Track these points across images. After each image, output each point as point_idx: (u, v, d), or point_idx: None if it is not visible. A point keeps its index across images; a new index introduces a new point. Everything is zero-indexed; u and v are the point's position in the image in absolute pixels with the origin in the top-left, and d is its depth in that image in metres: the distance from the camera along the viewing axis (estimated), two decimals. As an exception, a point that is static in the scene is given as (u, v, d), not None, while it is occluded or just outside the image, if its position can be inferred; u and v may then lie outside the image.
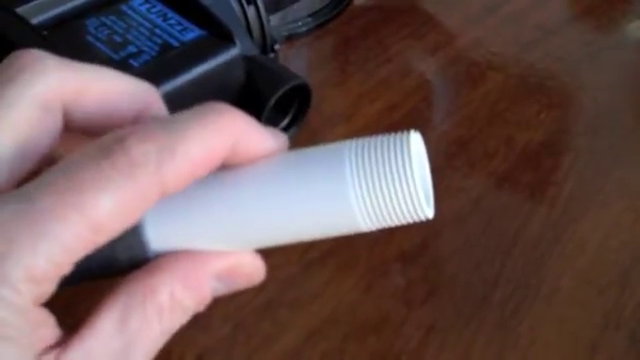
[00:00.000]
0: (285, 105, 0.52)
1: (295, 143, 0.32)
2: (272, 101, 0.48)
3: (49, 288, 0.26)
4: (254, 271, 0.31)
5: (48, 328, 0.27)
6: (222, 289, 0.31)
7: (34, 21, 0.48)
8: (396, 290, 0.51)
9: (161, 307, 0.29)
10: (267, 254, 0.31)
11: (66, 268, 0.26)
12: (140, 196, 0.27)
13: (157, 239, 0.30)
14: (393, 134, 0.30)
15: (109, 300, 0.28)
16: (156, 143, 0.27)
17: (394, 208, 0.29)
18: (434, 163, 0.59)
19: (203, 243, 0.30)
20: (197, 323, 0.30)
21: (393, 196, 0.29)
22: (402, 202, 0.29)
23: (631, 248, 0.54)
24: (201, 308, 0.30)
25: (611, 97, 0.68)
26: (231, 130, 0.29)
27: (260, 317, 0.49)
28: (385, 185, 0.29)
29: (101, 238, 0.27)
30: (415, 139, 0.30)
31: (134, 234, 0.30)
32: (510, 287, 0.51)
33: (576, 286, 0.51)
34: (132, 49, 0.47)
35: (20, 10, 0.48)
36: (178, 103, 0.45)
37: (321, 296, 0.50)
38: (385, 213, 0.29)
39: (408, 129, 0.30)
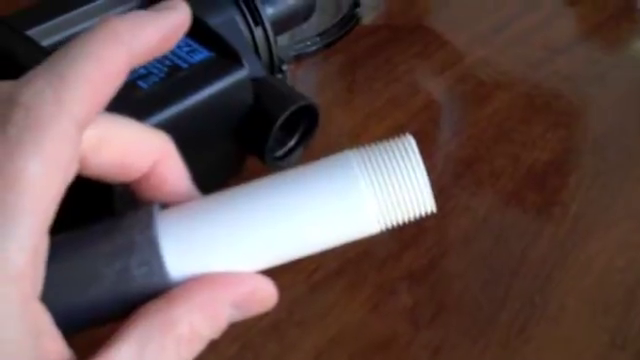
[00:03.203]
0: (293, 125, 0.52)
1: (303, 163, 0.33)
2: (279, 122, 0.48)
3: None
4: (268, 296, 0.32)
5: (53, 341, 0.28)
6: (237, 315, 0.31)
7: (44, 43, 0.49)
8: (403, 310, 0.51)
9: (180, 338, 0.29)
10: (274, 275, 0.32)
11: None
12: (59, 144, 0.27)
13: (176, 265, 0.30)
14: (393, 139, 0.32)
15: (129, 328, 0.29)
16: (43, 79, 0.27)
17: (405, 204, 0.31)
18: (441, 182, 0.60)
19: (223, 265, 0.31)
20: (205, 343, 0.31)
21: (405, 193, 0.31)
22: (413, 198, 0.31)
23: (637, 267, 0.54)
24: (217, 335, 0.31)
25: (618, 116, 0.68)
26: (119, 35, 0.29)
27: (268, 337, 0.49)
28: (397, 183, 0.31)
29: (45, 208, 0.27)
30: (413, 141, 0.32)
31: (153, 259, 0.30)
32: (517, 306, 0.51)
33: (582, 306, 0.51)
34: (140, 71, 0.47)
35: (30, 33, 0.49)
36: (186, 125, 0.46)
37: (328, 316, 0.50)
38: (397, 210, 0.31)
39: (412, 142, 0.32)
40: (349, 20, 0.77)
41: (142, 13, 0.31)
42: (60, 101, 0.27)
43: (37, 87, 0.27)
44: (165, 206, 0.32)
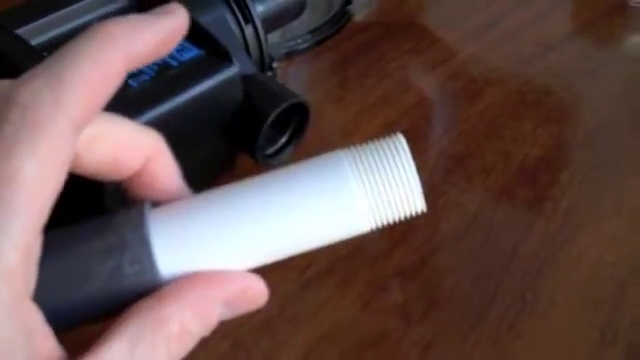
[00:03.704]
0: (284, 123, 0.52)
1: (295, 161, 0.33)
2: (270, 119, 0.49)
3: None
4: (258, 294, 0.32)
5: (45, 339, 0.28)
6: (228, 313, 0.31)
7: (34, 42, 0.49)
8: (394, 306, 0.51)
9: (170, 336, 0.29)
10: (266, 272, 0.32)
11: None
12: (56, 143, 0.27)
13: (167, 263, 0.30)
14: (384, 138, 0.32)
15: (120, 326, 0.29)
16: (40, 79, 0.27)
17: (396, 204, 0.31)
18: (432, 179, 0.60)
19: (215, 263, 0.31)
20: (195, 341, 0.31)
21: (395, 192, 0.31)
22: (403, 198, 0.31)
23: (627, 263, 0.54)
24: (208, 333, 0.31)
25: (609, 112, 0.68)
26: (116, 38, 0.29)
27: (259, 334, 0.49)
28: (387, 183, 0.31)
29: (39, 207, 0.27)
30: (404, 141, 0.32)
31: (145, 257, 0.30)
32: (507, 302, 0.51)
33: (572, 301, 0.52)
34: (131, 69, 0.47)
35: (20, 31, 0.49)
36: (176, 123, 0.46)
37: (320, 313, 0.51)
38: (387, 209, 0.31)
39: (402, 142, 0.32)
40: (341, 17, 0.77)
41: (140, 17, 0.31)
42: (57, 101, 0.27)
43: (34, 87, 0.27)
44: (156, 204, 0.33)
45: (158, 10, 0.32)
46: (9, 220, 0.26)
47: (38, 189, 0.26)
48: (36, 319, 0.27)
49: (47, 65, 0.28)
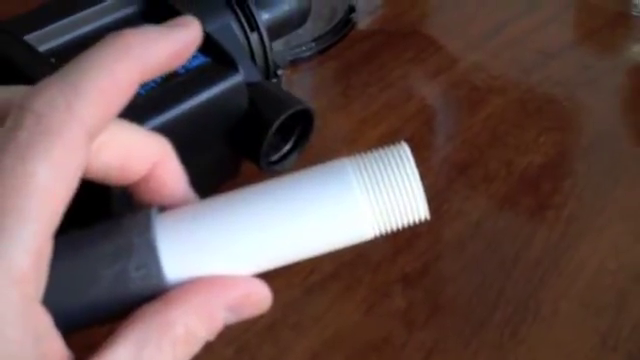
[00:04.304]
0: (288, 130, 0.52)
1: (298, 168, 0.33)
2: (274, 126, 0.49)
3: None
4: (262, 299, 0.32)
5: (53, 341, 0.28)
6: (232, 318, 0.32)
7: (42, 48, 0.49)
8: (397, 312, 0.51)
9: (176, 339, 0.29)
10: (270, 278, 0.32)
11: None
12: (69, 150, 0.27)
13: (173, 267, 0.31)
14: (388, 146, 0.32)
15: (126, 329, 0.29)
16: (55, 87, 0.28)
17: (399, 211, 0.31)
18: (435, 187, 0.60)
19: (219, 269, 0.31)
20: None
21: (399, 200, 0.31)
22: (407, 205, 0.31)
23: (629, 270, 0.54)
24: (212, 337, 0.31)
25: (611, 121, 0.68)
26: (131, 48, 0.30)
27: (263, 340, 0.49)
28: (391, 190, 0.31)
29: (51, 213, 0.27)
30: (408, 149, 0.32)
31: (151, 262, 0.30)
32: (509, 309, 0.52)
33: (574, 308, 0.52)
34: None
35: (28, 38, 0.49)
36: (182, 129, 0.46)
37: (323, 318, 0.51)
38: (391, 217, 0.31)
39: (406, 150, 0.32)
40: (344, 25, 0.77)
41: (155, 28, 0.31)
42: (71, 109, 0.27)
43: (49, 95, 0.27)
44: (163, 209, 0.33)
45: (172, 22, 0.32)
46: (21, 226, 0.26)
47: (51, 195, 0.27)
48: (45, 322, 0.28)
49: (62, 74, 0.28)
